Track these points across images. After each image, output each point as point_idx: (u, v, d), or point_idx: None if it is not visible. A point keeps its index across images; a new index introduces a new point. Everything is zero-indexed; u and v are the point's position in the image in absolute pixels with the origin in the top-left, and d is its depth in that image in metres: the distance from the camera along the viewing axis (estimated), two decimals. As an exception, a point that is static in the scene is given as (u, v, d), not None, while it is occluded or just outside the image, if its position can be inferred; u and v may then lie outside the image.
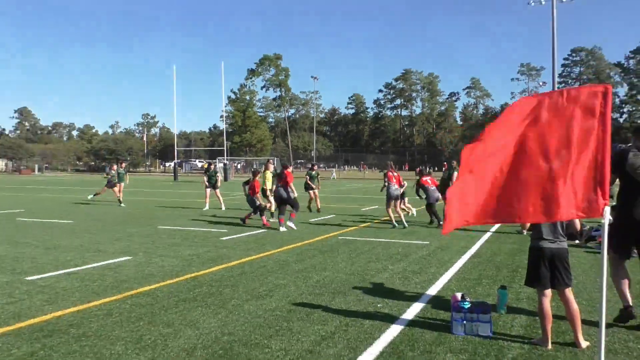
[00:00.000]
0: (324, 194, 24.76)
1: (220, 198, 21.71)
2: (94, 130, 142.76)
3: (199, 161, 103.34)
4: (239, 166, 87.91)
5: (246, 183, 16.45)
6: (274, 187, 15.90)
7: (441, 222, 15.37)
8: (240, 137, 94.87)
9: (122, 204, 22.93)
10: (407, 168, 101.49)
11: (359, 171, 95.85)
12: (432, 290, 7.67)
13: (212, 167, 22.30)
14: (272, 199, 17.26)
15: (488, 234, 13.88)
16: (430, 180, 16.48)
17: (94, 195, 25.78)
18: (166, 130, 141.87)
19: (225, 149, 70.96)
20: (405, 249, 11.34)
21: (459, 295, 6.51)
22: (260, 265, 9.47)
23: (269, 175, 18.14)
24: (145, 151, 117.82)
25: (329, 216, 18.40)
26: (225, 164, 65.52)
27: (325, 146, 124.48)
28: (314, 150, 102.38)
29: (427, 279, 8.47)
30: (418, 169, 17.09)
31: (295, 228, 14.07)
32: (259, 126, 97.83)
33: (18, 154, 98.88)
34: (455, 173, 17.06)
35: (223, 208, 21.01)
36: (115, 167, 25.04)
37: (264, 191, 17.78)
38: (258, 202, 15.95)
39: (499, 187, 4.70)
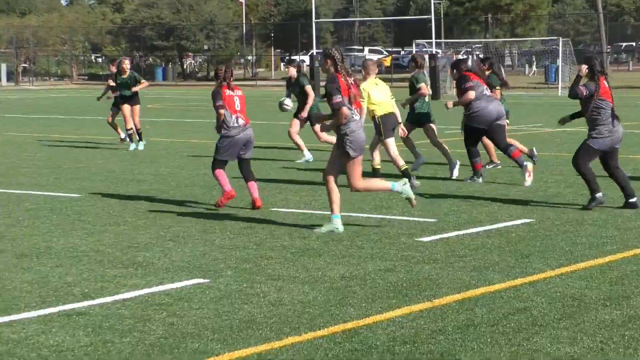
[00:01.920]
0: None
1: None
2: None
3: (370, 49, 74.20)
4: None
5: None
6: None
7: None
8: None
9: (132, 143, 19.54)
10: None
11: None
12: None
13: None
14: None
15: None
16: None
17: (125, 133, 20.29)
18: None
19: (438, 18, 50.96)
20: None
21: None
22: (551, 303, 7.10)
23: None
24: (244, 30, 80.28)
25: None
26: (444, 58, 44.23)
27: None
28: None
29: None
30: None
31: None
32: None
33: None
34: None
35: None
36: (114, 66, 20.46)
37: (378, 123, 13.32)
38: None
39: None
